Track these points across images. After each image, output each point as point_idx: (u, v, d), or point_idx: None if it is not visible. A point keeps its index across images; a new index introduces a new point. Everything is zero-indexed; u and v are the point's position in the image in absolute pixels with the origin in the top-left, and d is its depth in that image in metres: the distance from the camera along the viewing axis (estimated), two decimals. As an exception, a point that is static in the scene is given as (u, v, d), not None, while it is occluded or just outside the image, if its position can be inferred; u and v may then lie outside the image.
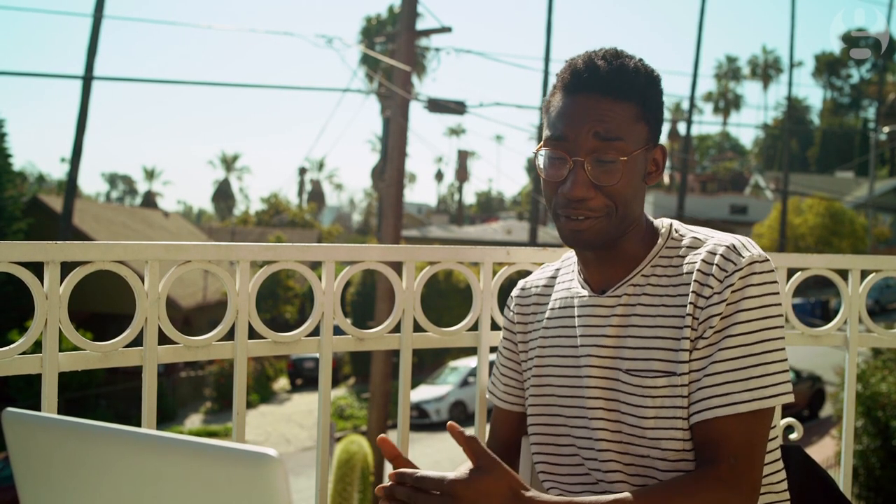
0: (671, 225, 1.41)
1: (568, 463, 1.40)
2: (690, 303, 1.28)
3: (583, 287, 1.42)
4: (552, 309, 1.47)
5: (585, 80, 1.31)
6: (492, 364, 1.66)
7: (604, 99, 1.30)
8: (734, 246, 1.29)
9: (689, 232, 1.38)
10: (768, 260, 1.29)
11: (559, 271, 1.53)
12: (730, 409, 1.23)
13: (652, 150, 1.37)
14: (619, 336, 1.34)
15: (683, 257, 1.34)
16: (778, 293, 1.28)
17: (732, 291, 1.25)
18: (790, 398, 1.26)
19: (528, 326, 1.53)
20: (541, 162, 1.36)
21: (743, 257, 1.27)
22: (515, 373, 1.55)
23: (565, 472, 1.41)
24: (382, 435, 1.21)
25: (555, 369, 1.43)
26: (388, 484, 1.18)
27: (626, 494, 1.18)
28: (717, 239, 1.33)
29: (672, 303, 1.31)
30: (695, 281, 1.29)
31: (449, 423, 1.15)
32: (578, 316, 1.40)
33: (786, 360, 1.27)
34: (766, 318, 1.26)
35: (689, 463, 1.28)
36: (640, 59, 1.36)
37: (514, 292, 1.58)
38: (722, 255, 1.28)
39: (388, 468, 11.94)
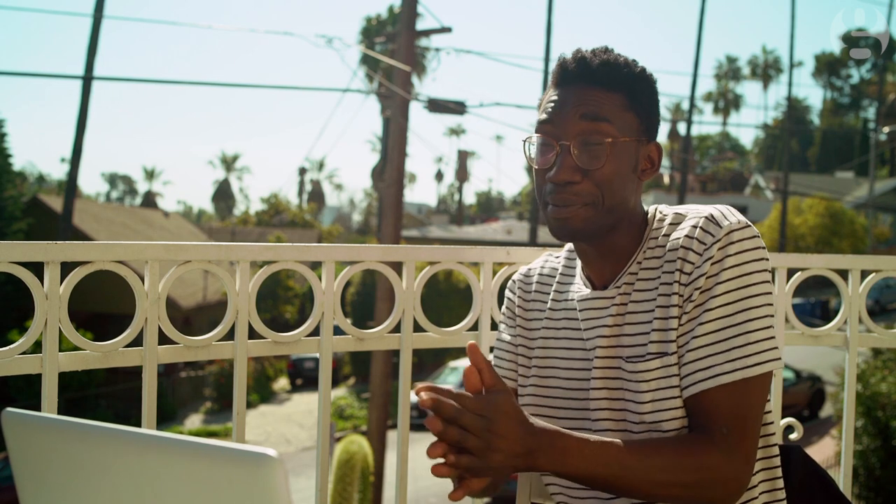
0: (656, 208, 1.41)
1: None
2: (676, 280, 1.28)
3: (585, 285, 1.43)
4: (556, 301, 1.48)
5: (573, 72, 1.34)
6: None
7: (591, 88, 1.32)
8: (712, 216, 1.28)
9: (671, 210, 1.38)
10: (749, 226, 1.27)
11: (561, 264, 1.53)
12: (713, 381, 1.23)
13: (645, 146, 1.37)
14: (618, 325, 1.35)
15: (668, 236, 1.34)
16: (761, 259, 1.26)
17: (712, 264, 1.25)
18: (778, 365, 1.25)
19: (528, 313, 1.53)
20: (531, 151, 1.38)
21: (721, 227, 1.26)
22: (511, 346, 1.54)
23: None
24: (472, 342, 1.17)
25: (560, 361, 1.43)
26: (432, 397, 1.11)
27: (618, 441, 1.20)
28: (695, 211, 1.33)
29: (661, 282, 1.31)
30: (679, 258, 1.29)
31: (470, 342, 1.12)
32: (580, 310, 1.41)
33: (771, 326, 1.25)
34: (747, 287, 1.25)
35: None
36: (633, 60, 1.38)
37: (517, 276, 1.58)
38: (701, 228, 1.28)
39: (389, 468, 11.89)
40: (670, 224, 1.35)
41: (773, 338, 1.25)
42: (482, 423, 1.12)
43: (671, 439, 1.23)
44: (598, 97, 1.32)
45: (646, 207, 1.43)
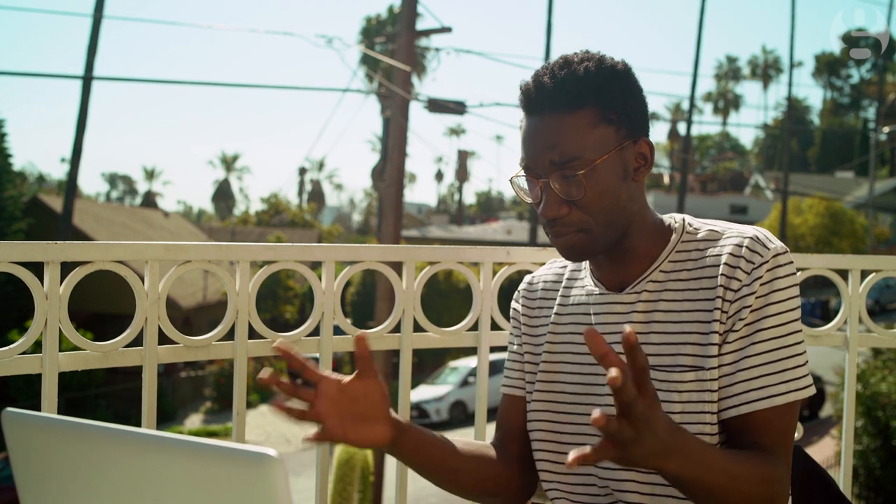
0: (684, 219, 1.41)
1: None
2: (718, 296, 1.29)
3: (596, 285, 1.42)
4: (562, 305, 1.47)
5: (535, 101, 1.32)
6: (492, 364, 1.65)
7: (554, 116, 1.29)
8: (758, 238, 1.30)
9: (703, 225, 1.38)
10: (788, 251, 1.30)
11: (566, 268, 1.52)
12: (767, 402, 1.25)
13: (631, 148, 1.33)
14: (642, 332, 1.34)
15: (703, 250, 1.34)
16: (798, 285, 1.31)
17: (761, 284, 1.26)
18: (814, 389, 1.28)
19: (533, 321, 1.52)
20: (521, 184, 1.38)
21: (768, 249, 1.28)
22: (518, 356, 1.54)
23: (568, 471, 1.40)
24: (361, 333, 1.19)
25: (567, 366, 1.43)
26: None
27: (717, 448, 1.22)
28: (737, 230, 1.33)
29: (697, 296, 1.31)
30: (722, 274, 1.29)
31: (627, 332, 1.00)
32: (595, 314, 1.40)
33: (806, 351, 1.30)
34: (792, 311, 1.28)
35: None
36: (600, 57, 1.33)
37: (522, 286, 1.58)
38: (748, 248, 1.29)
39: (389, 468, 11.78)
40: (704, 239, 1.35)
41: (808, 362, 1.29)
42: (642, 416, 1.03)
43: (748, 452, 1.23)
44: (563, 127, 1.28)
45: (659, 214, 1.41)
